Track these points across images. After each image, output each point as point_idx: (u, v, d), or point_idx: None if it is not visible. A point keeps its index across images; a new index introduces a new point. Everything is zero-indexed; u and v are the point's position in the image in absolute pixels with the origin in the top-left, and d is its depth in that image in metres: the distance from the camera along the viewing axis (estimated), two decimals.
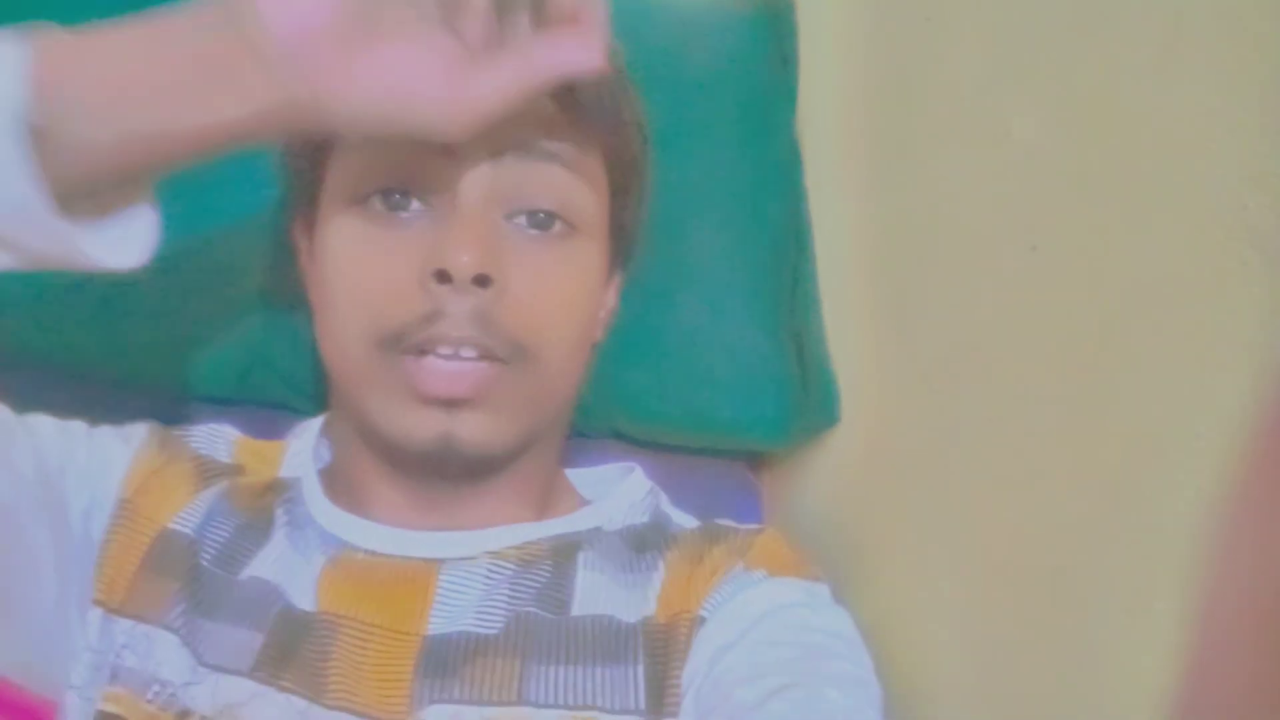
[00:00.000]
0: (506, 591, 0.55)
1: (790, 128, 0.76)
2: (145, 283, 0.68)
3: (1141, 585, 0.39)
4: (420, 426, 0.53)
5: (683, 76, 0.74)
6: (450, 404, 0.53)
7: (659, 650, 0.53)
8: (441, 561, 0.56)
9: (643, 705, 0.52)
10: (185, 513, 0.59)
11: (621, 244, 0.62)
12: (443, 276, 0.51)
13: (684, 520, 0.64)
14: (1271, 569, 0.23)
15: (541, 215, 0.55)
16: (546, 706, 0.51)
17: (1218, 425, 0.34)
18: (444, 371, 0.52)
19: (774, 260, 0.73)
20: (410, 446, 0.53)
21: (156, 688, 0.52)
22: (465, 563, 0.56)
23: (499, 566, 0.56)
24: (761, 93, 0.75)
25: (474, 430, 0.53)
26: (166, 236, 0.67)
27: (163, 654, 0.53)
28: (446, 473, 0.56)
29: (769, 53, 0.76)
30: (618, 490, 0.63)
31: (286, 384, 0.72)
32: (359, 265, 0.54)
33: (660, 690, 0.52)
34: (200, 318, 0.70)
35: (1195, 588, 0.25)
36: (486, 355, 0.52)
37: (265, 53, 0.44)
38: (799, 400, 0.71)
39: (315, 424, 0.64)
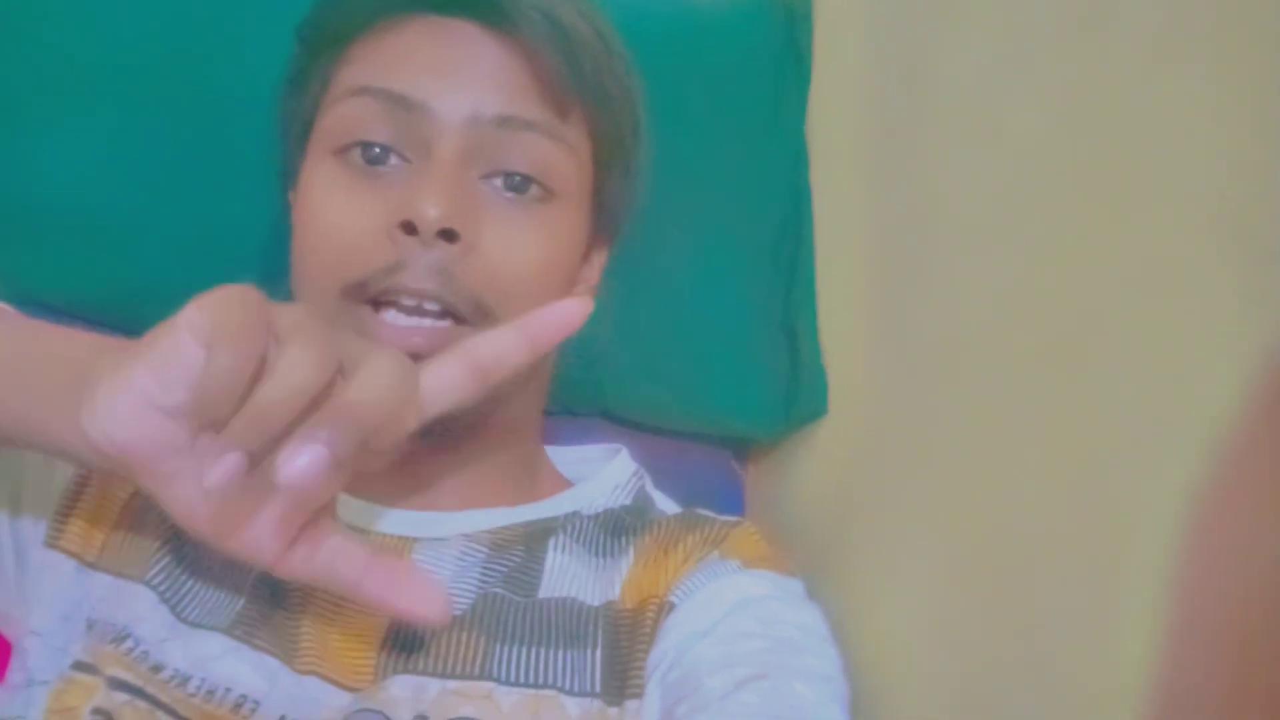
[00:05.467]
0: (477, 574, 0.56)
1: (799, 124, 0.76)
2: (153, 240, 0.69)
3: (1115, 582, 0.38)
4: None
5: (696, 68, 0.74)
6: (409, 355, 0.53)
7: (622, 635, 0.54)
8: (415, 540, 0.56)
9: (598, 688, 0.52)
10: None
11: (606, 218, 0.62)
12: (409, 228, 0.51)
13: (666, 505, 0.64)
14: (1245, 564, 0.23)
15: (518, 178, 0.55)
16: (509, 684, 0.51)
17: (1195, 421, 0.33)
18: (402, 326, 0.52)
19: (772, 253, 0.73)
20: None
21: (130, 643, 0.52)
22: (438, 543, 0.56)
23: (472, 549, 0.56)
24: (773, 88, 0.75)
25: None
26: (173, 187, 0.69)
27: (140, 609, 0.53)
28: None
29: (783, 49, 0.76)
30: (602, 473, 0.63)
31: None
32: (331, 212, 0.54)
33: (622, 674, 0.53)
34: (201, 276, 0.70)
35: (1170, 584, 0.24)
36: (449, 312, 0.53)
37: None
38: (788, 391, 0.72)
39: None
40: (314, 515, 0.42)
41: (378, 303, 0.53)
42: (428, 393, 0.42)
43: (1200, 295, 0.36)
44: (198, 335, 0.38)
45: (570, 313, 0.44)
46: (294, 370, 0.37)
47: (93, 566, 0.56)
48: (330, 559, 0.43)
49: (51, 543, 0.56)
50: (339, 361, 0.39)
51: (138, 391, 0.39)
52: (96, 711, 0.50)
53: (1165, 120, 0.38)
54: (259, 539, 0.42)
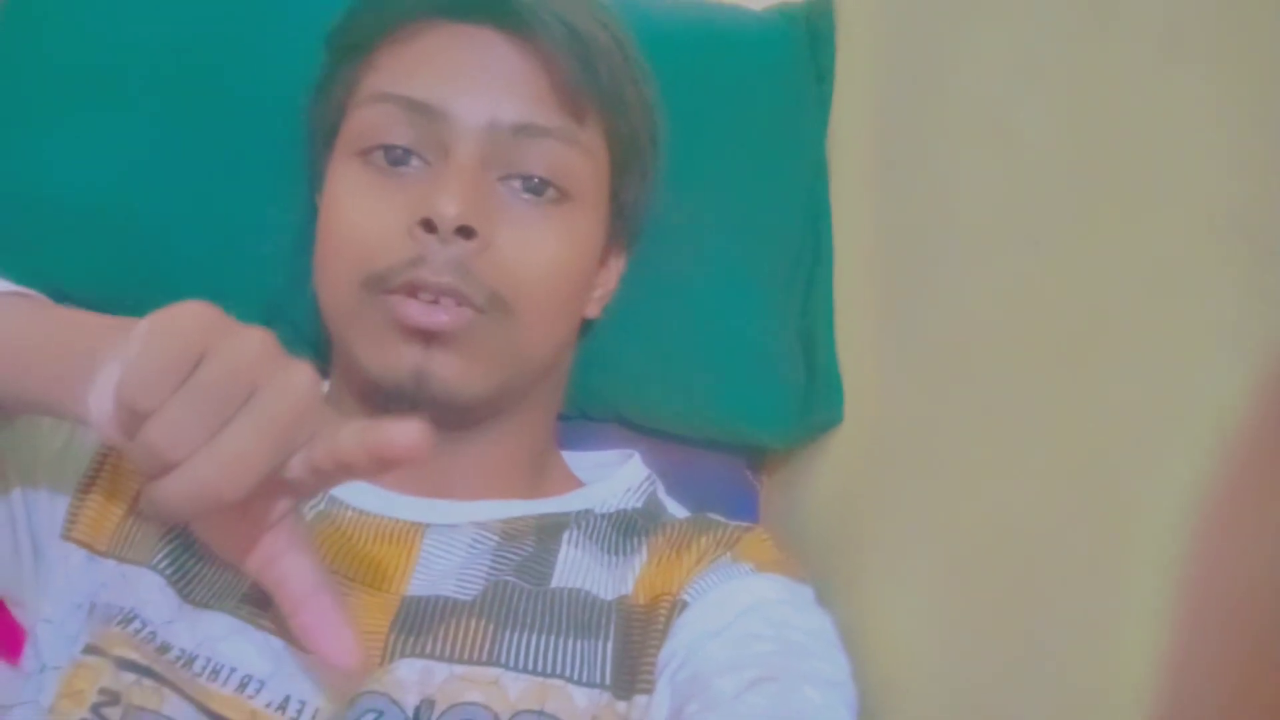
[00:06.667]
0: (488, 561, 0.56)
1: (820, 140, 0.76)
2: (175, 238, 0.70)
3: (1122, 587, 0.38)
4: (397, 361, 0.54)
5: (720, 85, 0.75)
6: (427, 341, 0.54)
7: (635, 630, 0.54)
8: (427, 526, 0.57)
9: (609, 680, 0.52)
10: None
11: (622, 222, 0.63)
12: (428, 225, 0.53)
13: (678, 510, 0.64)
14: (1251, 564, 0.23)
15: (535, 180, 0.56)
16: (517, 670, 0.51)
17: (1201, 421, 0.33)
18: (423, 308, 0.53)
19: (791, 263, 0.74)
20: (386, 380, 0.55)
21: (137, 624, 0.52)
22: (450, 529, 0.57)
23: (483, 537, 0.57)
24: (795, 105, 0.76)
25: (447, 370, 0.54)
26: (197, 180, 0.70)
27: (146, 593, 0.54)
28: (421, 414, 0.56)
29: (805, 68, 0.77)
30: (614, 475, 0.64)
31: (307, 341, 0.72)
32: (354, 208, 0.56)
33: (633, 668, 0.53)
34: (226, 272, 0.71)
35: (1176, 586, 0.25)
36: (465, 304, 0.54)
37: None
38: (804, 399, 0.72)
39: (323, 385, 0.65)
40: (275, 526, 0.44)
41: (398, 292, 0.54)
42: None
43: (1206, 294, 0.36)
44: (140, 337, 0.40)
45: (410, 440, 0.40)
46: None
47: (103, 555, 0.56)
48: (284, 574, 0.44)
49: (66, 534, 0.57)
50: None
51: (106, 379, 0.41)
52: (103, 691, 0.50)
53: (1170, 122, 0.39)
54: (214, 533, 0.44)
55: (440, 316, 0.53)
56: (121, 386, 0.38)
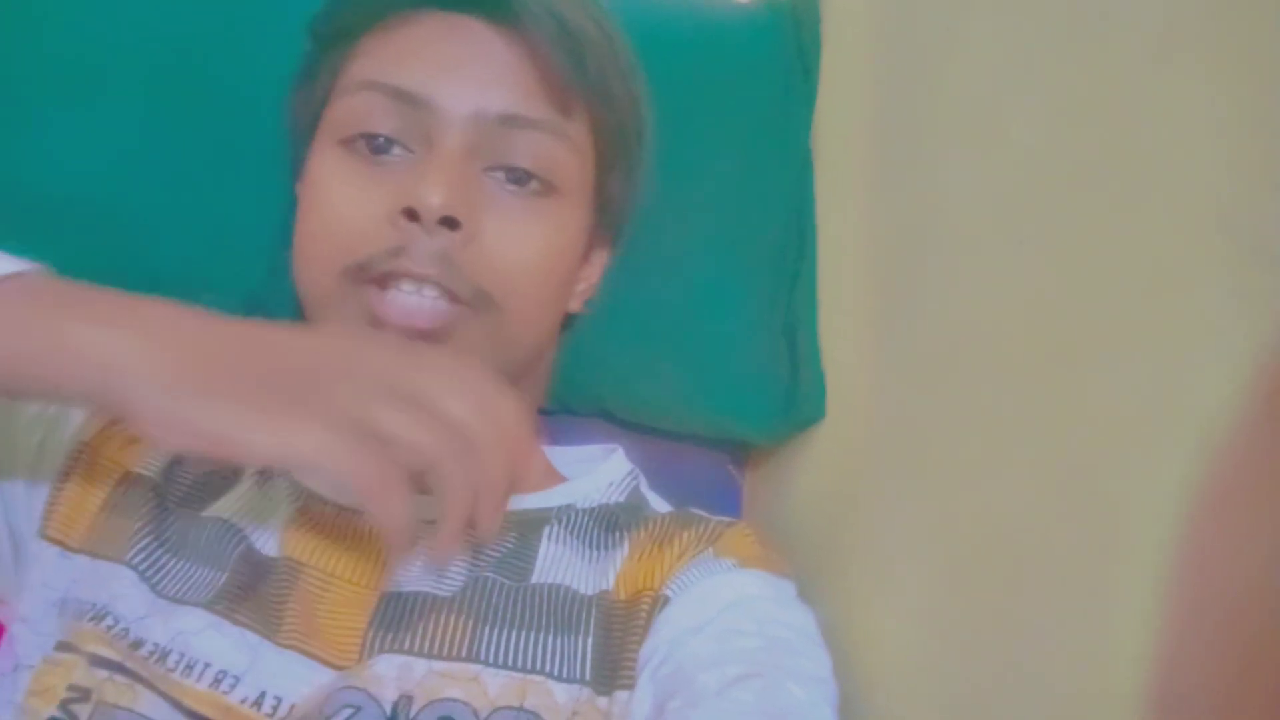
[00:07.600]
0: (468, 557, 0.55)
1: (805, 133, 0.76)
2: (163, 231, 0.69)
3: (1111, 585, 0.38)
4: None
5: (705, 77, 0.74)
6: (407, 339, 0.53)
7: (615, 625, 0.54)
8: None
9: (588, 676, 0.52)
10: (150, 457, 0.59)
11: (608, 217, 0.62)
12: (411, 214, 0.52)
13: (660, 506, 0.64)
14: (1242, 565, 0.23)
15: (520, 172, 0.55)
16: (496, 666, 0.51)
17: (1192, 422, 0.33)
18: (405, 305, 0.53)
19: (775, 259, 0.73)
20: None
21: (110, 620, 0.52)
22: (429, 526, 0.56)
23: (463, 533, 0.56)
24: (780, 98, 0.76)
25: None
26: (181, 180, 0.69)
27: (118, 589, 0.53)
28: None
29: (791, 61, 0.76)
30: (597, 470, 0.64)
31: None
32: (335, 196, 0.55)
33: (614, 664, 0.52)
34: (207, 263, 0.70)
35: (1166, 586, 0.24)
36: (448, 296, 0.53)
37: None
38: (787, 394, 0.71)
39: None
40: None
41: (378, 283, 0.53)
42: None
43: (1198, 296, 0.36)
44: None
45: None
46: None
47: (75, 551, 0.56)
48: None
49: (42, 532, 0.56)
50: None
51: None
52: (73, 688, 0.49)
53: (1164, 123, 0.38)
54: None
55: (419, 320, 0.52)
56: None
